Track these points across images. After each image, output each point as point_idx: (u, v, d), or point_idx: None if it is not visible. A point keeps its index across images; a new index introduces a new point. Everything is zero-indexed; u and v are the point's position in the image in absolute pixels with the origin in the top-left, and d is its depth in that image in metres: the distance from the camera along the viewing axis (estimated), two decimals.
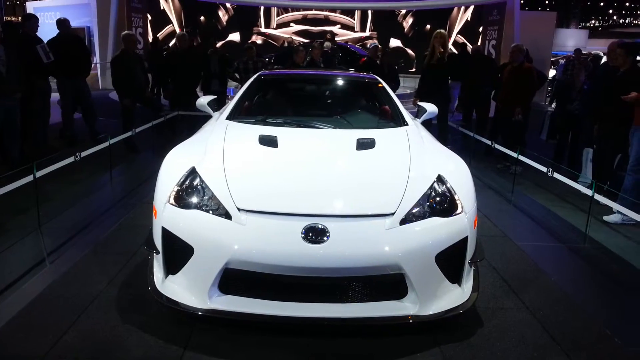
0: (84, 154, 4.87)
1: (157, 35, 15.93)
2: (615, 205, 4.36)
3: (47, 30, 8.18)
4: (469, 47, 10.65)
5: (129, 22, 14.61)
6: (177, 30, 16.97)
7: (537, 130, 7.61)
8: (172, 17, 17.64)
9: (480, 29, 16.78)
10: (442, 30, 7.15)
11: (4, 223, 4.15)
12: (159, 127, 7.13)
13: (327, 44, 11.11)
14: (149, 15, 16.47)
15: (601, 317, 3.04)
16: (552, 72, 16.91)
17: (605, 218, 4.86)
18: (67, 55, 6.74)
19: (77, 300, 2.96)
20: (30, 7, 18.10)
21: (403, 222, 2.64)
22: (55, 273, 3.32)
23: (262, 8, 18.92)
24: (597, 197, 4.36)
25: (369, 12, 19.27)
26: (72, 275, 3.30)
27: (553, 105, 7.97)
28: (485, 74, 7.81)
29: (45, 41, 6.57)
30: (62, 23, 7.02)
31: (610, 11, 55.82)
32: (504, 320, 2.93)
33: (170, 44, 11.61)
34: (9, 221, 4.19)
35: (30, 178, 4.03)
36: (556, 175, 4.84)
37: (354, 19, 19.63)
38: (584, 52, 12.60)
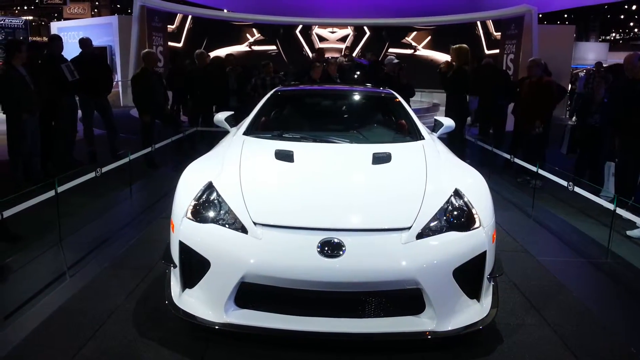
0: (104, 169, 4.95)
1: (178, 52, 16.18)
2: (638, 220, 4.27)
3: (70, 50, 8.39)
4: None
5: (150, 41, 14.90)
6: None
7: (557, 144, 7.52)
8: None
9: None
10: (455, 46, 7.19)
11: (26, 237, 4.22)
12: (178, 143, 7.23)
13: (340, 59, 11.19)
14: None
15: (625, 334, 2.96)
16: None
17: (628, 233, 4.75)
18: (89, 73, 6.89)
19: (95, 314, 2.99)
20: (54, 28, 18.61)
21: (420, 236, 2.62)
22: (74, 287, 3.36)
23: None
24: (620, 211, 4.27)
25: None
26: (90, 290, 3.33)
27: (573, 119, 7.89)
28: (498, 87, 7.76)
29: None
30: (84, 42, 7.19)
31: (631, 24, 55.20)
32: (525, 337, 2.87)
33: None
34: (31, 235, 4.26)
35: (52, 193, 4.10)
36: (577, 189, 4.76)
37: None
38: (605, 65, 12.44)
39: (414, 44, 19.28)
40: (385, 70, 8.32)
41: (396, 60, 8.28)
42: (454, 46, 7.15)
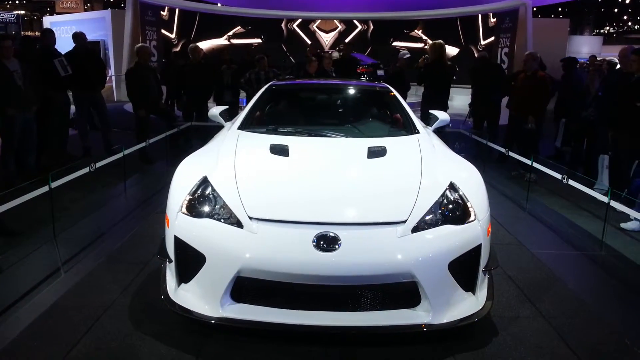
0: (98, 164, 4.92)
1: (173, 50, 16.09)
2: (632, 212, 4.29)
3: (63, 44, 8.31)
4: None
5: (143, 35, 14.80)
6: None
7: (551, 138, 7.54)
8: None
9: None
10: (434, 41, 7.39)
11: (20, 233, 4.20)
12: (172, 138, 7.20)
13: (335, 54, 11.15)
14: None
15: (619, 326, 2.98)
16: None
17: (622, 225, 4.78)
18: (82, 68, 6.84)
19: (90, 309, 2.99)
20: (47, 22, 18.47)
21: (415, 229, 2.63)
22: (69, 282, 3.35)
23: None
24: (614, 204, 4.29)
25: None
26: (86, 285, 3.32)
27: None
28: (493, 81, 7.78)
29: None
30: (78, 37, 7.11)
31: (625, 17, 55.28)
32: (520, 329, 2.89)
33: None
34: (25, 231, 4.24)
35: (45, 189, 4.08)
36: (571, 182, 4.78)
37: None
38: (598, 58, 12.46)
39: (424, 37, 19.21)
40: (398, 65, 8.32)
41: (408, 55, 8.30)
42: (431, 42, 7.39)
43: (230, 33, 18.99)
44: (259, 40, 19.08)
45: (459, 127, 8.38)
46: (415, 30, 19.53)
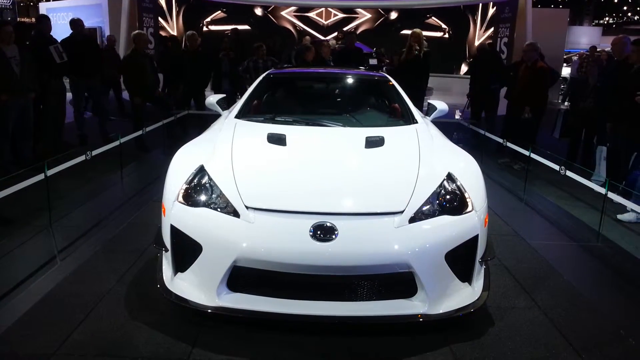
0: (94, 152, 4.90)
1: (168, 35, 15.93)
2: (629, 204, 4.29)
3: (60, 31, 8.23)
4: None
5: (140, 22, 14.66)
6: None
7: (550, 129, 7.53)
8: None
9: None
10: (418, 30, 7.35)
11: (15, 221, 4.18)
12: (169, 126, 7.17)
13: (332, 41, 11.05)
14: None
15: (615, 316, 2.99)
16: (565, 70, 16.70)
17: (619, 216, 4.78)
18: (79, 55, 6.78)
19: (86, 298, 2.98)
20: (43, 8, 18.29)
21: (412, 220, 2.62)
22: (65, 271, 3.34)
23: None
24: (611, 195, 4.29)
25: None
26: (82, 273, 3.32)
27: (566, 103, 7.89)
28: (492, 70, 7.74)
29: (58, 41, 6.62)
30: (75, 23, 7.05)
31: (625, 8, 55.02)
32: (516, 319, 2.89)
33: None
34: (20, 219, 4.22)
35: (41, 176, 4.05)
36: (569, 173, 4.78)
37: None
38: (597, 49, 12.44)
39: (443, 26, 18.97)
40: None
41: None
42: (416, 30, 7.43)
43: (208, 20, 18.70)
44: (248, 27, 18.84)
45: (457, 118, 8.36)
46: (434, 18, 19.29)
